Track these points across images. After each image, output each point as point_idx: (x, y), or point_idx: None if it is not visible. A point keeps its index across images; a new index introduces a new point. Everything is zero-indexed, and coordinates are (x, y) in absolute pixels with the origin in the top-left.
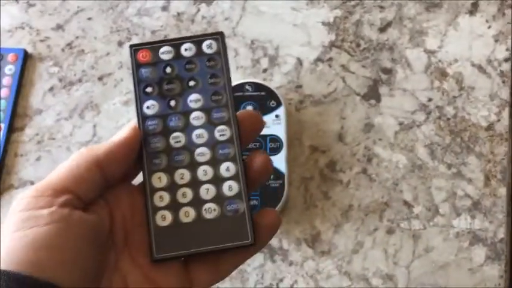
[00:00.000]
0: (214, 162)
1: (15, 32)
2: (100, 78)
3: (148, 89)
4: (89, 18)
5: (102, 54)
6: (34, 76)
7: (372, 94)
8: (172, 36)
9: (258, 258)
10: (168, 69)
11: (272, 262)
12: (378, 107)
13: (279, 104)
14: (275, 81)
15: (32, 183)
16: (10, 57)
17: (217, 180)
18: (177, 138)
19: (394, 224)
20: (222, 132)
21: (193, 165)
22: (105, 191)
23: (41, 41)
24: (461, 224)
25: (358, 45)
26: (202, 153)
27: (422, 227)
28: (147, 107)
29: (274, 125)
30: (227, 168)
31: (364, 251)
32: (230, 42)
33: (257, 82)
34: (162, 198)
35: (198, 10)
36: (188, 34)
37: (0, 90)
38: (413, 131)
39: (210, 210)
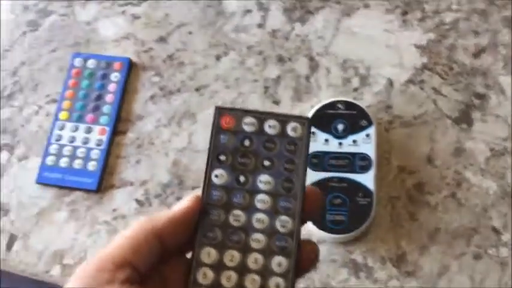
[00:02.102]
0: (267, 253)
1: (121, 41)
2: (197, 89)
3: (222, 157)
4: (190, 32)
5: (200, 67)
6: (137, 84)
7: (464, 118)
8: (267, 52)
9: (342, 273)
10: (247, 142)
11: (356, 278)
12: (469, 132)
13: (370, 124)
14: (365, 101)
15: (132, 184)
16: (116, 65)
17: (266, 273)
18: (237, 217)
19: (481, 250)
20: (284, 224)
21: (245, 250)
22: (161, 264)
23: (145, 51)
24: None
25: (451, 68)
26: (258, 240)
27: (511, 255)
28: (216, 176)
29: (364, 143)
30: (279, 263)
31: (449, 275)
32: (322, 61)
33: (349, 101)
34: (205, 276)
35: (293, 28)
36: (282, 51)
37: (106, 96)
38: (505, 158)
39: None
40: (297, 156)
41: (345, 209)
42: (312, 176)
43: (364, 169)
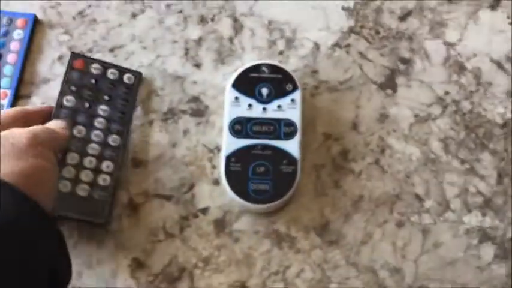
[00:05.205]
0: (100, 158)
1: None
2: (111, 50)
3: (73, 88)
4: None
5: (114, 25)
6: (43, 43)
7: (389, 84)
8: (187, 11)
9: (265, 244)
10: (93, 81)
11: (279, 249)
12: (394, 97)
13: (295, 88)
14: (291, 64)
15: None
16: (19, 22)
17: (97, 171)
18: (80, 131)
19: (404, 217)
20: (114, 140)
21: (84, 153)
22: None
23: (52, 7)
24: (471, 221)
25: (377, 32)
26: (94, 148)
27: (433, 221)
28: (67, 100)
29: (290, 109)
30: (107, 166)
31: (372, 242)
32: (246, 22)
33: (274, 64)
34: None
35: None
36: (204, 10)
37: (7, 56)
38: (428, 124)
39: (84, 190)
40: (129, 96)
41: (268, 177)
42: (234, 144)
43: (289, 136)
